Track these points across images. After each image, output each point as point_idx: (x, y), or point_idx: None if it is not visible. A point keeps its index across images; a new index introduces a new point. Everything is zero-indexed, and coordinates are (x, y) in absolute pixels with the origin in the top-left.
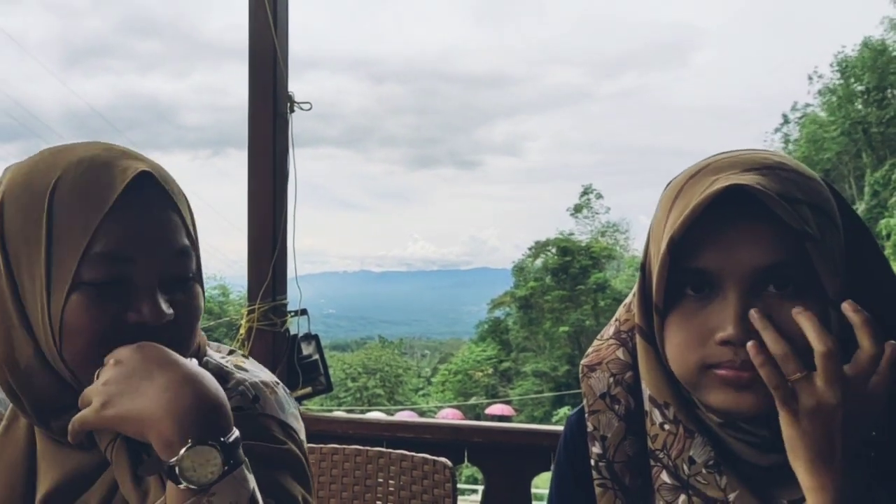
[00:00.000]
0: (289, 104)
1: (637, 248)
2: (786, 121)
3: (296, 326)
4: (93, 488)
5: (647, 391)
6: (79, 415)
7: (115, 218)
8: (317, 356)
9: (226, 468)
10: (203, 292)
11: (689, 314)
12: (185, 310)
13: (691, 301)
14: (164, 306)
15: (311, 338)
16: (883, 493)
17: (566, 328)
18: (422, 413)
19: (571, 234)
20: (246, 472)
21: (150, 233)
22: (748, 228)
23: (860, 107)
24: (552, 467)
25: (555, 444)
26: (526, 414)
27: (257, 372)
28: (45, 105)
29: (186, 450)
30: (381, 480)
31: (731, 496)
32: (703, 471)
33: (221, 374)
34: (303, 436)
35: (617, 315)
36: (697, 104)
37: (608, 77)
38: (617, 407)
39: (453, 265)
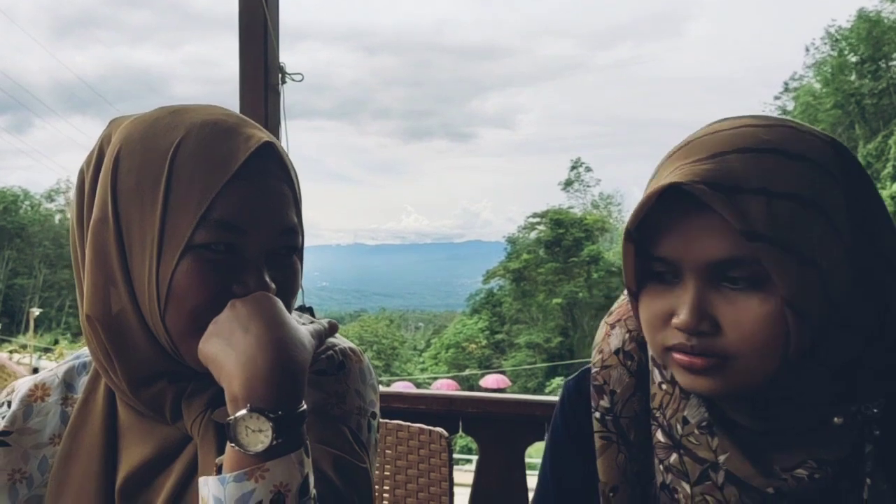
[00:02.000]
0: (280, 76)
1: None
2: (786, 89)
3: None
4: (174, 465)
5: (650, 350)
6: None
7: (235, 186)
8: None
9: (273, 443)
10: (302, 268)
11: (654, 296)
12: (285, 285)
13: (659, 283)
14: (268, 280)
15: (305, 310)
16: (887, 488)
17: (559, 300)
18: (417, 385)
19: (565, 207)
20: (304, 456)
21: (265, 206)
22: (704, 222)
23: (854, 78)
24: (548, 429)
25: (549, 414)
26: (519, 385)
27: (344, 341)
28: (35, 77)
29: (243, 413)
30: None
31: (722, 458)
32: (696, 431)
33: None
34: (377, 408)
35: None
36: (691, 75)
37: (601, 48)
38: (629, 363)
39: (447, 238)
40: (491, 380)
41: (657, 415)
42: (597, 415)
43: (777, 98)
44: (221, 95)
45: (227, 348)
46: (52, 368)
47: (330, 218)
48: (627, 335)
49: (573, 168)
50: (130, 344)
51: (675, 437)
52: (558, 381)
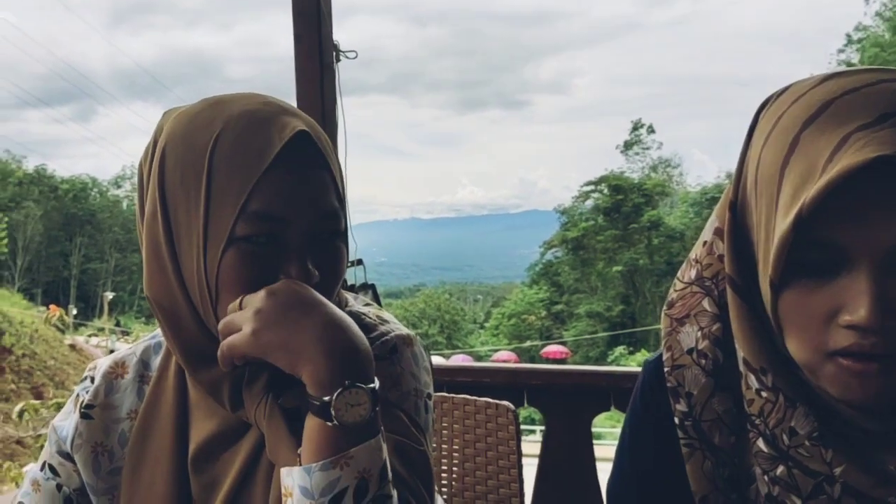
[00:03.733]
0: (335, 54)
1: (691, 182)
2: (849, 41)
3: (352, 277)
4: (241, 443)
5: (741, 353)
6: (228, 340)
7: (271, 177)
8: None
9: (373, 414)
10: (348, 250)
11: (808, 292)
12: (329, 269)
13: (811, 277)
14: (311, 267)
15: (367, 287)
16: None
17: (619, 268)
18: (478, 357)
19: (622, 171)
20: (382, 441)
21: (303, 194)
22: (887, 199)
23: None
24: (627, 410)
25: (613, 385)
26: (581, 354)
27: (396, 324)
28: (94, 65)
29: (341, 391)
30: (445, 425)
31: (837, 470)
32: (807, 443)
33: (364, 325)
34: (431, 389)
35: (696, 255)
36: (752, 29)
37: (659, 5)
38: (704, 362)
39: (503, 209)
40: (551, 350)
41: (757, 422)
42: (676, 420)
43: (841, 52)
44: (274, 75)
45: (294, 333)
46: (130, 347)
47: (386, 193)
48: (700, 333)
49: (634, 129)
50: (184, 330)
51: (782, 449)
52: (620, 349)
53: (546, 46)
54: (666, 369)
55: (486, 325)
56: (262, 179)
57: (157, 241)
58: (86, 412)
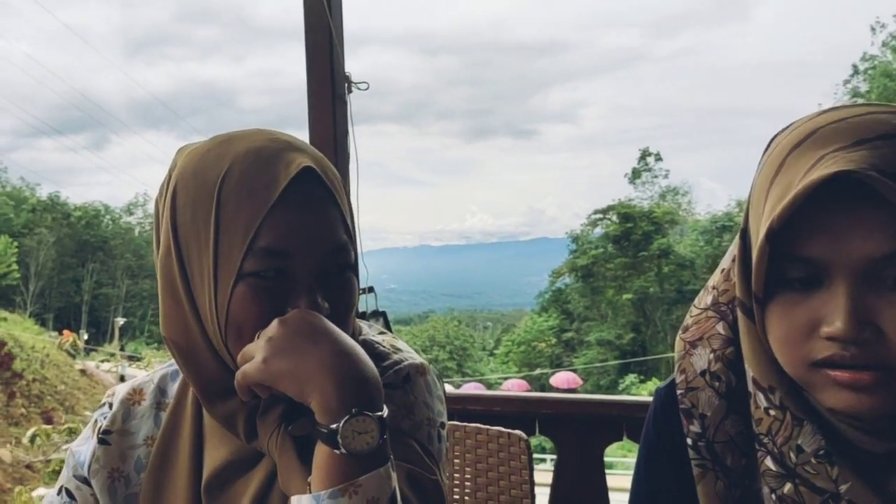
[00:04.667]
0: (346, 85)
1: (700, 211)
2: (856, 71)
3: (363, 304)
4: (254, 471)
5: (749, 372)
6: (242, 368)
7: (278, 213)
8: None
9: (381, 442)
10: (358, 281)
11: (791, 304)
12: (340, 301)
13: (794, 290)
14: (321, 300)
15: (378, 314)
16: None
17: (629, 296)
18: (488, 385)
19: (631, 200)
20: (391, 469)
21: (310, 229)
22: (861, 214)
23: None
24: (640, 438)
25: (626, 414)
26: (591, 383)
27: (410, 353)
28: (110, 96)
29: (348, 418)
30: (457, 454)
31: (843, 487)
32: (813, 460)
33: (377, 353)
34: (444, 418)
35: (713, 282)
36: (758, 60)
37: (664, 37)
38: (717, 384)
39: (512, 236)
40: (561, 378)
41: (765, 441)
42: (689, 441)
43: (847, 82)
44: (285, 105)
45: (302, 361)
46: (148, 374)
47: (395, 220)
48: (712, 355)
49: (641, 158)
50: (201, 364)
51: (789, 466)
52: (631, 377)
53: (553, 76)
54: (679, 391)
55: (496, 352)
56: (269, 215)
57: (172, 277)
58: (103, 437)
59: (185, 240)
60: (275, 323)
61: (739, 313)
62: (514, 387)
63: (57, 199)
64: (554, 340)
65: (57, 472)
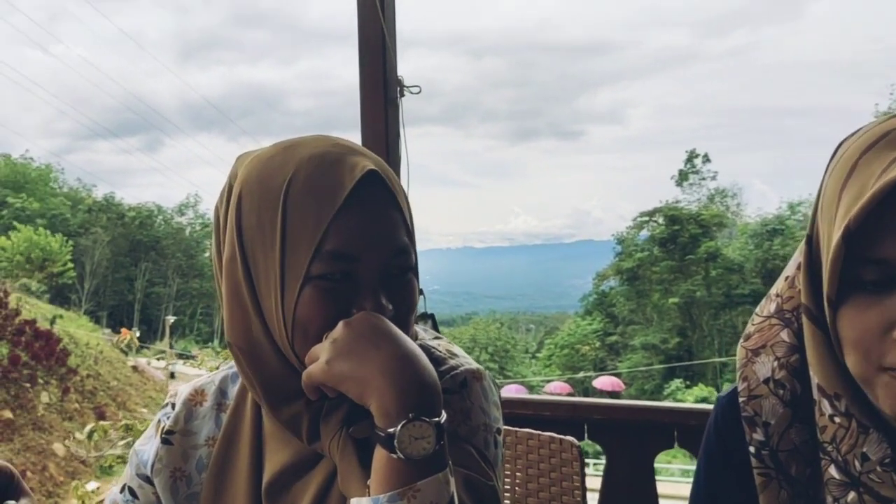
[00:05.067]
0: (399, 89)
1: (750, 214)
2: None
3: None
4: (313, 473)
5: (815, 379)
6: (307, 369)
7: (343, 216)
8: None
9: (437, 448)
10: (418, 283)
11: (864, 307)
12: (402, 303)
13: (867, 293)
14: (385, 302)
15: (427, 317)
16: None
17: (676, 300)
18: (530, 387)
19: (678, 202)
20: (450, 475)
21: (374, 232)
22: None
23: None
24: (700, 448)
25: (677, 421)
26: (635, 387)
27: (466, 358)
28: (163, 99)
29: (405, 423)
30: (508, 459)
31: None
32: (878, 468)
33: (434, 358)
34: (500, 424)
35: (777, 290)
36: (812, 59)
37: (715, 36)
38: (782, 392)
39: (556, 238)
40: (605, 382)
41: (829, 449)
42: (752, 449)
43: None
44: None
45: (364, 365)
46: (209, 375)
47: (439, 222)
48: (776, 363)
49: (689, 160)
50: (267, 368)
51: (853, 475)
52: (677, 383)
53: (600, 77)
54: (742, 399)
55: (539, 354)
56: (334, 219)
57: (237, 283)
58: (166, 437)
59: (250, 245)
60: (340, 325)
61: (805, 319)
62: (556, 389)
63: (112, 199)
64: (598, 344)
65: (108, 468)
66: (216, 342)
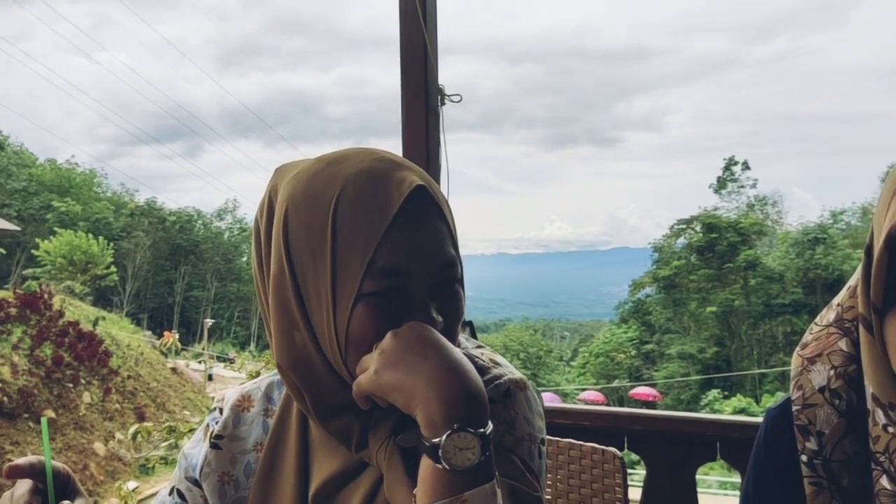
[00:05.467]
0: (440, 96)
1: (791, 222)
2: None
3: None
4: (359, 481)
5: (869, 388)
6: (357, 379)
7: (393, 232)
8: None
9: (482, 459)
10: (464, 294)
11: None
12: (450, 314)
13: None
14: (435, 314)
15: (465, 324)
16: None
17: (714, 308)
18: (563, 395)
19: (717, 209)
20: (497, 486)
21: (424, 246)
22: None
23: None
24: (749, 461)
25: (720, 434)
26: (672, 397)
27: (509, 368)
28: (204, 105)
29: (450, 433)
30: (549, 469)
31: None
32: None
33: (477, 368)
34: (544, 434)
35: (839, 300)
36: (856, 65)
37: (756, 42)
38: (837, 402)
39: (591, 245)
40: (641, 391)
41: (881, 459)
42: (804, 458)
43: None
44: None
45: (411, 375)
46: (255, 381)
47: (474, 228)
48: (832, 372)
49: (727, 167)
50: (317, 381)
51: None
52: (714, 393)
53: (638, 83)
54: (796, 408)
55: (573, 363)
56: (385, 236)
57: (287, 299)
58: (215, 442)
59: (299, 262)
60: (389, 335)
61: (861, 328)
62: (590, 398)
63: (153, 204)
64: (633, 352)
65: (151, 468)
66: (253, 345)
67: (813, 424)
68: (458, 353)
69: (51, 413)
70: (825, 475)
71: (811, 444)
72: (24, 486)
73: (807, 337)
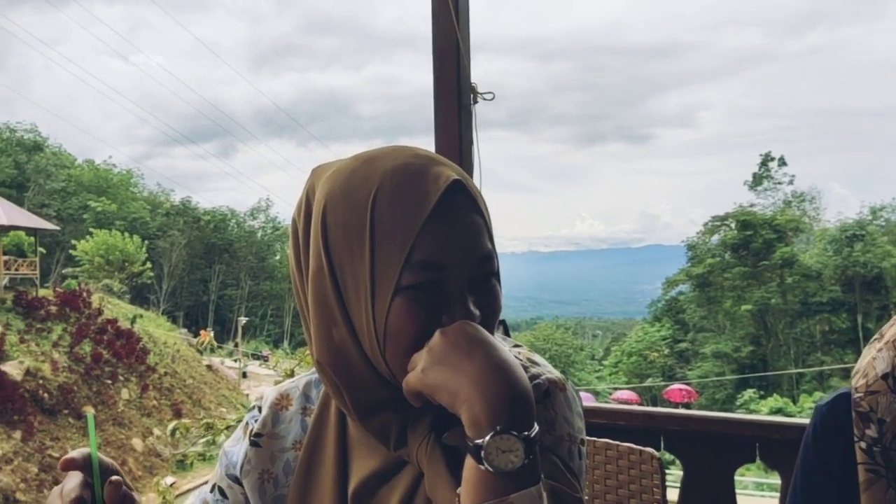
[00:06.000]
0: (472, 95)
1: (829, 218)
2: None
3: None
4: (398, 479)
5: None
6: (406, 377)
7: (430, 226)
8: None
9: (525, 462)
10: (501, 289)
11: None
12: (488, 308)
13: None
14: (473, 308)
15: (499, 323)
16: None
17: (749, 307)
18: (595, 394)
19: (753, 206)
20: (542, 489)
21: (460, 240)
22: None
23: None
24: (797, 460)
25: (760, 435)
26: (706, 396)
27: (547, 367)
28: (237, 105)
29: (492, 435)
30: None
31: None
32: None
33: None
34: (584, 435)
35: None
36: (894, 58)
37: (791, 36)
38: None
39: (624, 243)
40: (676, 391)
41: None
42: (862, 445)
43: None
44: (402, 112)
45: (456, 374)
46: (293, 380)
47: (504, 226)
48: None
49: (763, 163)
50: (356, 377)
51: None
52: (750, 393)
53: (670, 79)
54: (858, 395)
55: (605, 361)
56: (422, 229)
57: (326, 295)
58: (255, 440)
59: (338, 258)
60: (437, 334)
61: None
62: (623, 397)
63: (188, 203)
64: (667, 351)
65: (190, 465)
66: (286, 343)
67: (874, 412)
68: (505, 352)
69: (90, 409)
70: (883, 463)
71: (871, 432)
72: (74, 479)
73: (884, 329)
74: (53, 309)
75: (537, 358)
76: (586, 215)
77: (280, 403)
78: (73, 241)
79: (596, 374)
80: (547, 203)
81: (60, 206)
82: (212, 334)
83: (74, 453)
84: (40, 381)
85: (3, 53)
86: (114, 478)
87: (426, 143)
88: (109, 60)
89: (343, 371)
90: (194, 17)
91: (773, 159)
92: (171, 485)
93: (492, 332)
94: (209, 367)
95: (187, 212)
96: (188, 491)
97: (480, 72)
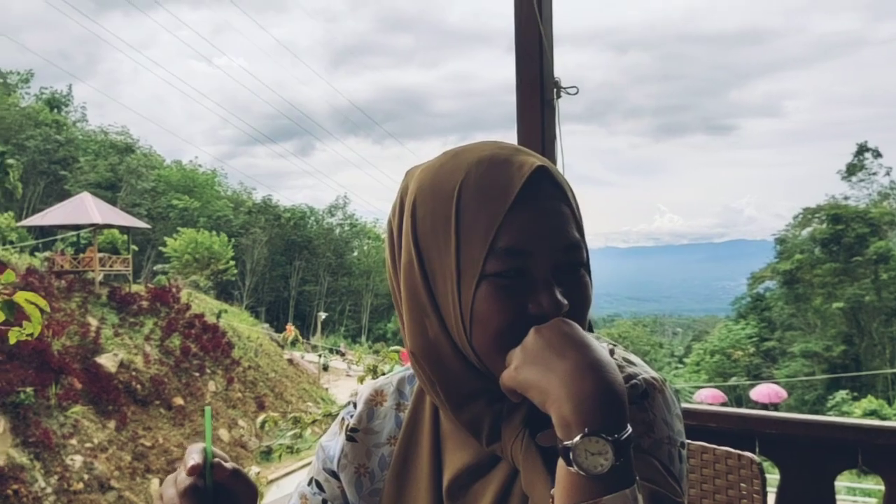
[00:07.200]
0: (555, 90)
1: None
2: None
3: None
4: (492, 474)
5: None
6: (503, 373)
7: (515, 214)
8: None
9: (615, 465)
10: (591, 281)
11: None
12: (577, 299)
13: None
14: (560, 297)
15: None
16: None
17: (841, 304)
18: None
19: (846, 198)
20: (637, 492)
21: (545, 227)
22: None
23: None
24: None
25: (862, 440)
26: (795, 397)
27: (644, 367)
28: (315, 105)
29: (581, 437)
30: None
31: None
32: None
33: None
34: (684, 438)
35: None
36: None
37: (886, 18)
38: None
39: (705, 238)
40: (763, 391)
41: None
42: None
43: None
44: (477, 108)
45: (547, 374)
46: (387, 376)
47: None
48: None
49: (858, 153)
50: (448, 368)
51: None
52: (842, 394)
53: (754, 67)
54: None
55: (686, 360)
56: (507, 217)
57: (416, 284)
58: (351, 435)
59: (426, 249)
60: (532, 332)
61: None
62: (707, 397)
63: (269, 201)
64: (752, 350)
65: (277, 457)
66: (363, 338)
67: None
68: (599, 352)
69: (180, 401)
70: None
71: None
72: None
73: None
74: (145, 304)
75: (634, 358)
76: (665, 209)
77: (374, 399)
78: (165, 239)
79: (675, 372)
80: (624, 197)
81: (151, 205)
82: (296, 330)
83: (196, 456)
84: (133, 373)
85: (94, 58)
86: (216, 459)
87: (502, 138)
88: (194, 63)
89: (436, 362)
90: (273, 19)
91: (868, 150)
92: (257, 474)
93: (583, 326)
94: (290, 361)
95: (268, 210)
96: (273, 481)
97: (558, 64)
